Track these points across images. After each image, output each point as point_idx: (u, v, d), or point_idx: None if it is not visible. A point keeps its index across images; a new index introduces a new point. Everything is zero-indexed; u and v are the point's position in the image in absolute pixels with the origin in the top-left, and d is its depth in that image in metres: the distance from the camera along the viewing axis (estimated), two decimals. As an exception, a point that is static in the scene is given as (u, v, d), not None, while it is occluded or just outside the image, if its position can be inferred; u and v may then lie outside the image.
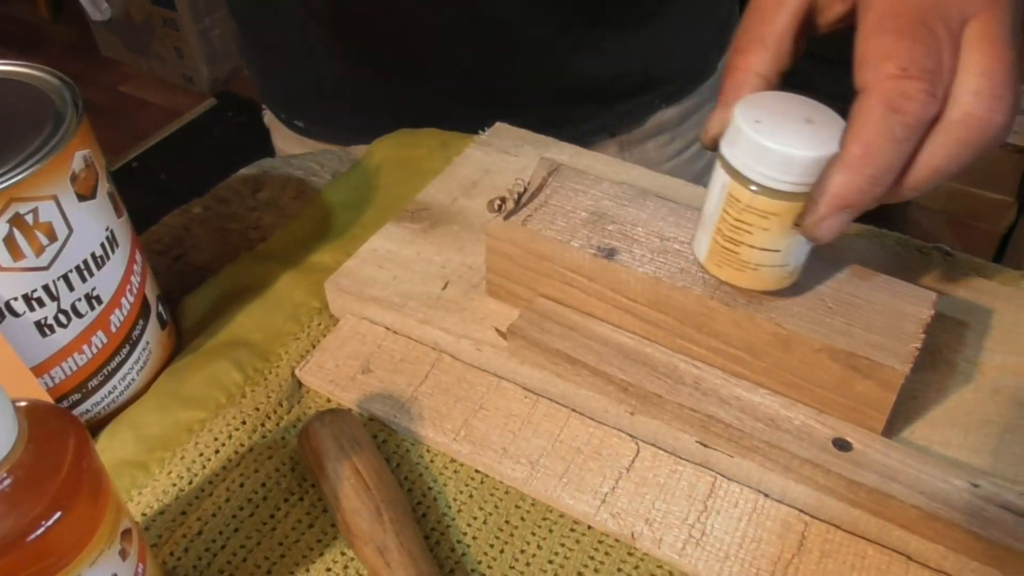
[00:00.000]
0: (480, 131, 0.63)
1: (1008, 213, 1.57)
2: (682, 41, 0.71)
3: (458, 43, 0.66)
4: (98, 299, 0.44)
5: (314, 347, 0.51)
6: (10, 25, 2.68)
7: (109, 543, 0.33)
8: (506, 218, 0.47)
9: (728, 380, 0.44)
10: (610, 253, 0.45)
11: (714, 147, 0.41)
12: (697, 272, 0.44)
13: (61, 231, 0.41)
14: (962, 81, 0.36)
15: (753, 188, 0.39)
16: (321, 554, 0.42)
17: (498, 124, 0.64)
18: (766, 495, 0.43)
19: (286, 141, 0.80)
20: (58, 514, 0.30)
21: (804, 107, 0.39)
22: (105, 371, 0.46)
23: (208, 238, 0.60)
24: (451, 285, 0.51)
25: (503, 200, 0.47)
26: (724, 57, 0.73)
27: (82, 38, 2.52)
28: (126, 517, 0.35)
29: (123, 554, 0.34)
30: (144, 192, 1.98)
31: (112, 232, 0.45)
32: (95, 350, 0.45)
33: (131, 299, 0.47)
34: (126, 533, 0.35)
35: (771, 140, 0.37)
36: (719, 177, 0.40)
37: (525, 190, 0.48)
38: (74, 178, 0.41)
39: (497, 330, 0.48)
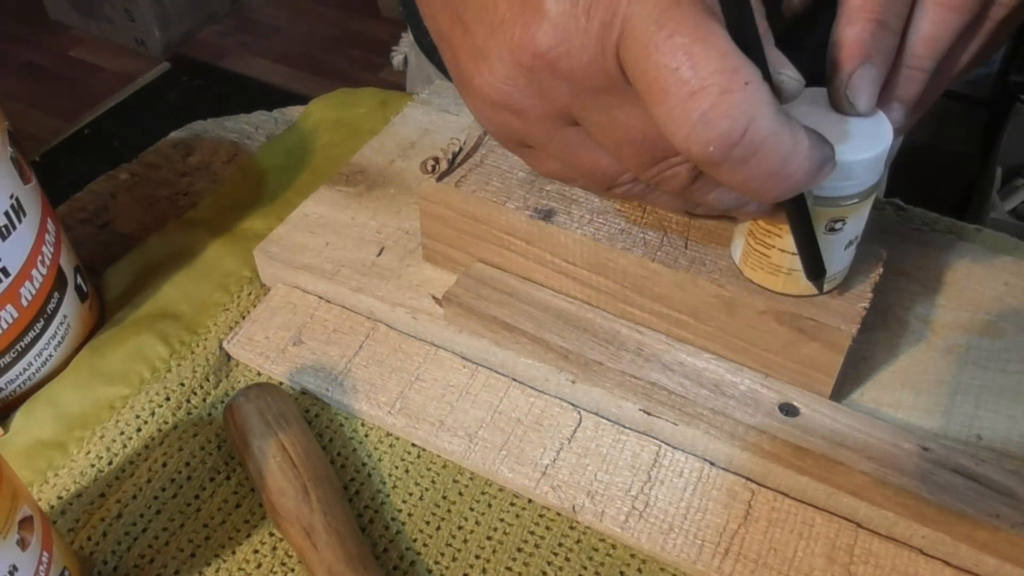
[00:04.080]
0: None
1: (971, 166, 1.56)
2: None
3: None
4: (4, 271, 0.41)
5: (244, 318, 0.48)
6: (-48, -11, 2.59)
7: (3, 533, 0.31)
8: (439, 179, 0.44)
9: (672, 345, 0.42)
10: (547, 214, 0.43)
11: None
12: (638, 232, 0.42)
13: (-45, 200, 0.38)
14: None
15: None
16: (248, 535, 0.40)
17: (438, 82, 0.61)
18: (712, 463, 0.41)
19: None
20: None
21: None
22: (18, 347, 0.43)
23: (135, 205, 0.58)
24: (386, 251, 0.49)
25: (436, 160, 0.45)
26: None
27: (29, 1, 2.43)
28: (25, 503, 0.32)
29: (22, 544, 0.32)
30: (97, 160, 1.93)
31: (17, 200, 0.42)
32: (5, 325, 0.42)
33: (43, 270, 0.44)
34: (26, 521, 0.32)
35: None
36: None
37: (460, 150, 0.46)
38: (-33, 143, 0.38)
39: (433, 297, 0.46)
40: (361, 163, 0.55)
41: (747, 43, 0.29)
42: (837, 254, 0.38)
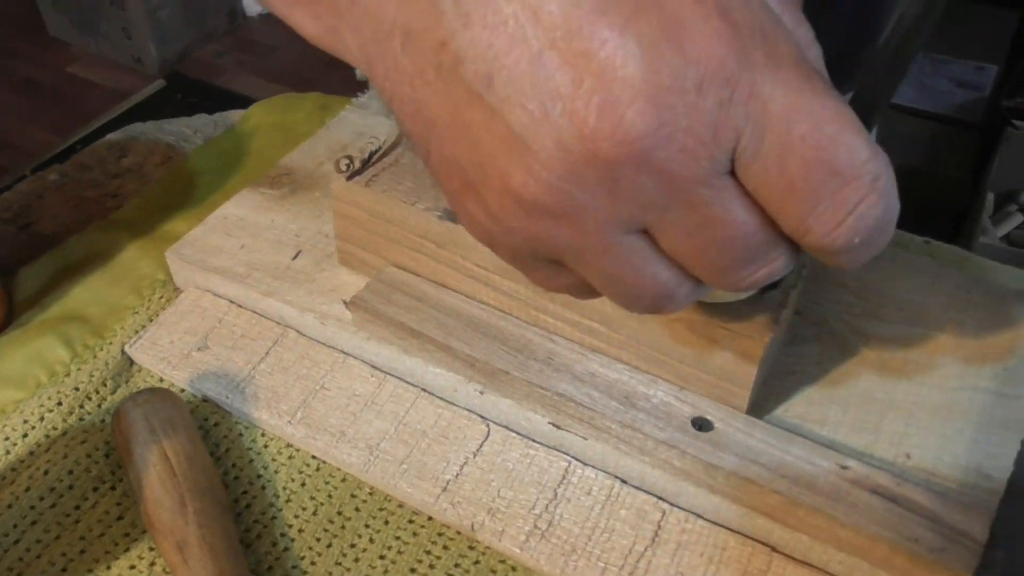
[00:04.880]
0: None
1: (962, 192, 1.53)
2: None
3: None
4: None
5: (152, 322, 0.46)
6: (-46, 4, 2.60)
7: None
8: (349, 178, 0.42)
9: (585, 355, 0.40)
10: (457, 215, 0.40)
11: None
12: (551, 235, 0.39)
13: None
14: None
15: None
16: (127, 549, 0.38)
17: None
18: (623, 481, 0.39)
19: None
20: None
21: None
22: (-95, 348, 0.42)
23: (62, 206, 0.56)
24: (303, 255, 0.47)
25: (351, 159, 0.43)
26: None
27: (29, 17, 2.44)
28: None
29: None
30: (87, 175, 1.92)
31: (-99, 192, 0.40)
32: None
33: (-65, 269, 0.42)
34: None
35: None
36: None
37: (379, 148, 0.44)
38: None
39: (344, 302, 0.44)
40: (289, 166, 0.53)
41: (868, 113, 0.26)
42: None
